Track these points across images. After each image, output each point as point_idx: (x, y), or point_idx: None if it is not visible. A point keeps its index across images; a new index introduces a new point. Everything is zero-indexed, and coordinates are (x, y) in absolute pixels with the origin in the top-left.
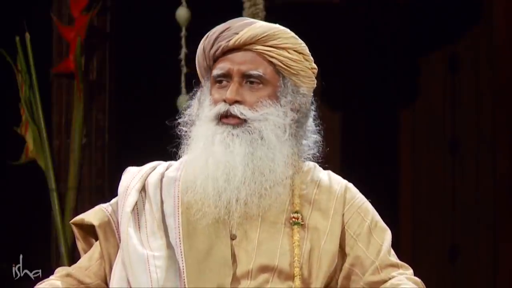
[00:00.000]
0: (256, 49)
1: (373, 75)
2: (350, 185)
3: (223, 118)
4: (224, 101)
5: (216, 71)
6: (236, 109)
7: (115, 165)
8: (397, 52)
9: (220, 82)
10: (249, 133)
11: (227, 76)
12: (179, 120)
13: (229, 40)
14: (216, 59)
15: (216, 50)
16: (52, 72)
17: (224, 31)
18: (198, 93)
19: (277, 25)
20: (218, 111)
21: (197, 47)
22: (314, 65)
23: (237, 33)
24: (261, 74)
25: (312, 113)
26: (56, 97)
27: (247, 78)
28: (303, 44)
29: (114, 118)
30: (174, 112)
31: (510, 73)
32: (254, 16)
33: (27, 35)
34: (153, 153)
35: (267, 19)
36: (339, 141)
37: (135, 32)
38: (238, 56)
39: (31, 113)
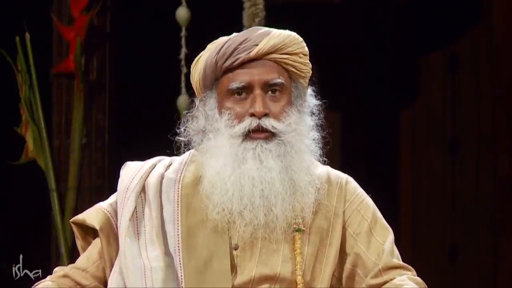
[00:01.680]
0: (273, 58)
1: (373, 75)
2: (350, 179)
3: (252, 132)
4: (252, 115)
5: (235, 84)
6: (267, 123)
7: (115, 165)
8: (397, 52)
9: (240, 94)
10: (282, 146)
11: (247, 88)
12: (181, 132)
13: (250, 52)
14: (226, 71)
15: (233, 62)
16: (52, 72)
17: (242, 42)
18: (199, 104)
19: (289, 32)
20: (247, 127)
21: (197, 47)
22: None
23: (257, 44)
24: (283, 81)
25: (314, 110)
26: (56, 97)
27: (269, 88)
28: (305, 46)
29: (114, 118)
30: (174, 112)
31: (510, 73)
32: (254, 16)
33: (27, 35)
34: (153, 153)
35: (267, 19)
36: (339, 141)
37: (135, 32)
38: (256, 66)
39: (31, 113)
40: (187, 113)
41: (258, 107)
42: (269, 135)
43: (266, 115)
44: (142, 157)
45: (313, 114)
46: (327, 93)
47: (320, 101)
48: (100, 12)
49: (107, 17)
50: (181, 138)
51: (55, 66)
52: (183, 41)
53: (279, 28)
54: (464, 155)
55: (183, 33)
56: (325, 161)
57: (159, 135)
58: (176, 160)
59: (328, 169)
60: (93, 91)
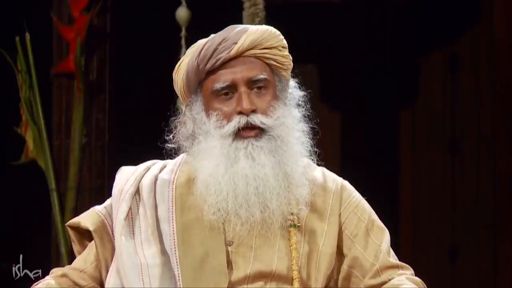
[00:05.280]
0: (254, 54)
1: (373, 75)
2: (346, 182)
3: (242, 130)
4: (240, 112)
5: (219, 84)
6: (255, 119)
7: (115, 165)
8: (397, 52)
9: (225, 94)
10: (272, 141)
11: (231, 87)
12: (170, 138)
13: (230, 51)
14: (209, 73)
15: (215, 63)
16: (52, 72)
17: (221, 42)
18: (185, 110)
19: (266, 26)
20: (236, 125)
21: None
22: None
23: (236, 42)
24: (266, 77)
25: (300, 101)
26: (56, 97)
27: (253, 84)
28: (284, 39)
29: (114, 118)
30: (174, 112)
31: (510, 73)
32: (254, 16)
33: (27, 35)
34: (153, 153)
35: (267, 19)
36: (339, 141)
37: (135, 32)
38: (238, 64)
39: (31, 113)
40: (174, 119)
41: (245, 104)
42: (259, 132)
43: (253, 111)
44: (142, 157)
45: (299, 105)
46: (327, 93)
47: (305, 91)
48: (100, 12)
49: (107, 17)
50: (170, 145)
51: (55, 66)
52: (183, 41)
53: (279, 28)
54: (464, 155)
55: (183, 33)
56: (324, 161)
57: (159, 135)
58: (170, 163)
59: (324, 171)
60: (93, 91)
